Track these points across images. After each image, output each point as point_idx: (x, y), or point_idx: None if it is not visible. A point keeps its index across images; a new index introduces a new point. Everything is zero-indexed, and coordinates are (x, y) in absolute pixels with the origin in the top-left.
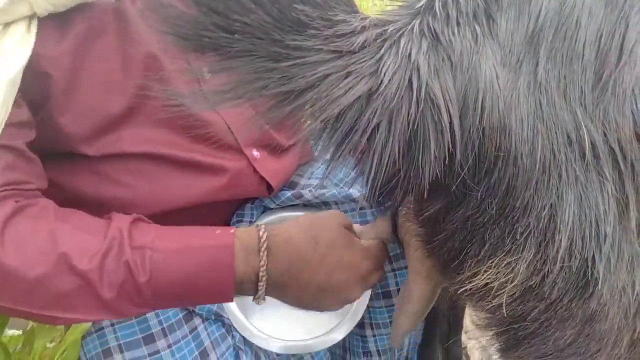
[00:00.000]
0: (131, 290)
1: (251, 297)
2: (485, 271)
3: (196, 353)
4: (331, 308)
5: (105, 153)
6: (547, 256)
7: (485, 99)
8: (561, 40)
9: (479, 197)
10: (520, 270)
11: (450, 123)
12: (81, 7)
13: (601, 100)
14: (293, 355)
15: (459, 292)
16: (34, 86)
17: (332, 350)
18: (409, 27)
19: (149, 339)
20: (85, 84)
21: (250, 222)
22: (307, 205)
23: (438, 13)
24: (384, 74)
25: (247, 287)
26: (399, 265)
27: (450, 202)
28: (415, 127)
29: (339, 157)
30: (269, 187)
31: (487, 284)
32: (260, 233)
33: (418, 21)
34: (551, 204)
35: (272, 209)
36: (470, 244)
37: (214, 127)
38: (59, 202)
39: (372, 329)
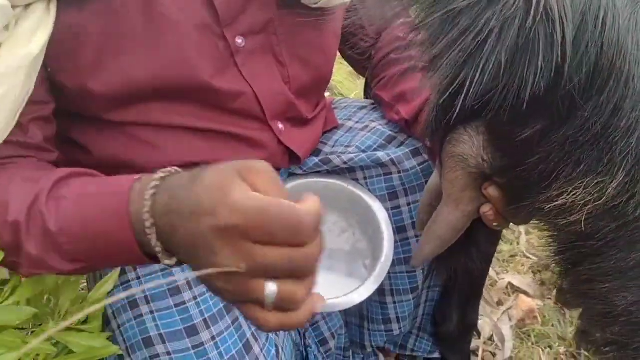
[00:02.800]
0: (50, 241)
1: None
2: (573, 191)
3: (221, 305)
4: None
5: (135, 121)
6: (639, 178)
7: (607, 16)
8: None
9: (584, 117)
10: (609, 191)
11: (563, 39)
12: None
13: None
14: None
15: (537, 209)
16: (61, 54)
17: (347, 319)
18: None
19: (192, 331)
20: (110, 55)
21: None
22: (332, 172)
23: None
24: None
25: (146, 241)
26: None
27: (552, 123)
28: (526, 39)
29: (450, 55)
30: (294, 158)
31: (571, 202)
32: (155, 177)
33: None
34: None
35: (297, 174)
36: (565, 165)
37: (243, 99)
38: (85, 165)
39: (392, 295)
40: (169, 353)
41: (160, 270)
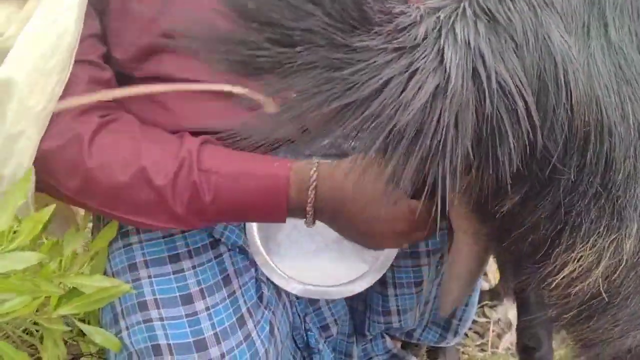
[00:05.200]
0: (198, 207)
1: (280, 234)
2: (577, 259)
3: (219, 277)
4: (373, 248)
5: (151, 74)
6: None
7: (568, 72)
8: None
9: (572, 180)
10: (626, 247)
11: (527, 109)
12: None
13: None
14: (310, 300)
15: (543, 285)
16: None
17: (353, 305)
18: (459, 9)
19: (187, 299)
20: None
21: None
22: (342, 157)
23: None
24: (450, 67)
25: (298, 215)
26: None
27: (530, 190)
28: (489, 120)
29: (406, 169)
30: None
31: (579, 269)
32: (312, 172)
33: (467, 2)
34: None
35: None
36: (562, 231)
37: None
38: None
39: (394, 287)
40: (162, 319)
41: (162, 236)
